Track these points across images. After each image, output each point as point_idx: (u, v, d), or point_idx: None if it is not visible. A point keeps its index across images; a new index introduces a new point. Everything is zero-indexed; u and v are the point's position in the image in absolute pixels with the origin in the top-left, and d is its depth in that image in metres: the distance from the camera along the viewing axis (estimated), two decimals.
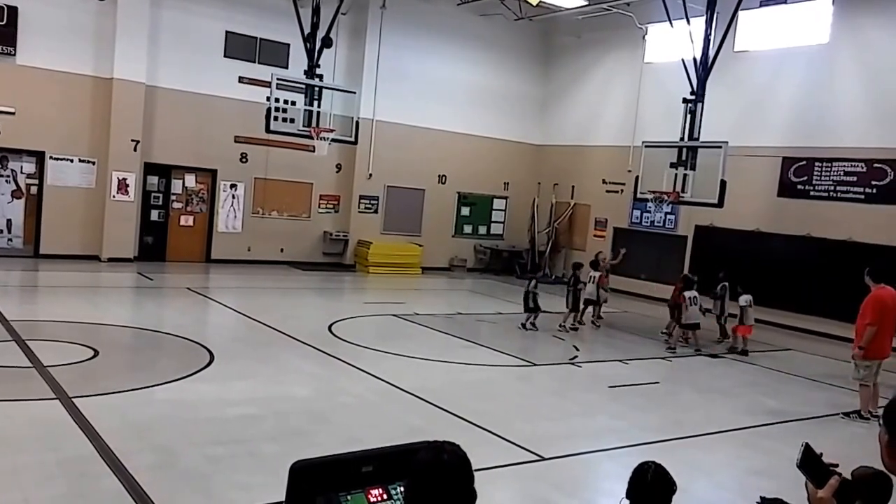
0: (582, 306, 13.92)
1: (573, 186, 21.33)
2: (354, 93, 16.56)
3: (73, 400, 7.21)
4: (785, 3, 16.53)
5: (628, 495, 3.28)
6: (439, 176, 21.25)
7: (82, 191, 16.62)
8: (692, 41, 14.29)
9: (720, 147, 13.53)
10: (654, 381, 10.62)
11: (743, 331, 12.89)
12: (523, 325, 13.28)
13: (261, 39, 18.18)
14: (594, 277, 14.02)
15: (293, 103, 15.47)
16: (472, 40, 20.91)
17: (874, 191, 15.04)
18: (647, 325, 14.76)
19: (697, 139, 14.11)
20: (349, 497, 2.51)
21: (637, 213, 19.54)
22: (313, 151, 15.64)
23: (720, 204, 13.56)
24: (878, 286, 9.17)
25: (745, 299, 12.82)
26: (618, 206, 20.06)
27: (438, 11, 20.24)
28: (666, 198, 14.23)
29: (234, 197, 18.53)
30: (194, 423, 7.05)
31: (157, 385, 8.09)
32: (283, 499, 2.49)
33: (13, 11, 15.31)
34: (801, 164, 16.17)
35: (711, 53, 14.14)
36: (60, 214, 16.40)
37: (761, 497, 3.19)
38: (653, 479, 3.24)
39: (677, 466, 7.46)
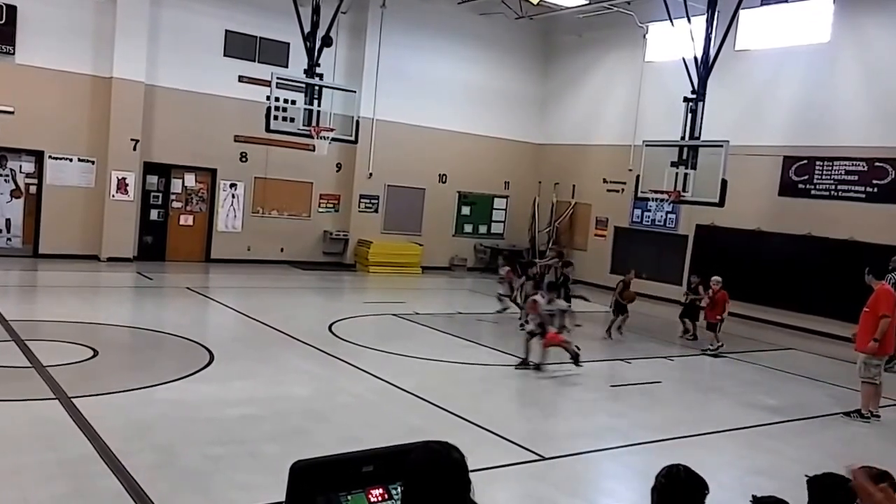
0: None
1: (574, 185, 21.31)
2: (354, 92, 16.51)
3: (73, 400, 7.19)
4: (786, 2, 16.49)
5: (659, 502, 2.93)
6: (439, 175, 21.23)
7: (82, 190, 16.60)
8: (693, 40, 14.26)
9: (721, 146, 13.51)
10: (655, 380, 10.60)
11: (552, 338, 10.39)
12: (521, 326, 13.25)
13: (261, 38, 18.15)
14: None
15: (293, 102, 15.43)
16: (472, 39, 20.89)
17: (875, 190, 15.01)
18: (649, 325, 14.74)
19: (698, 138, 14.08)
20: (350, 497, 2.50)
21: (638, 212, 19.52)
22: (313, 151, 15.60)
23: (721, 203, 13.54)
24: (880, 283, 9.16)
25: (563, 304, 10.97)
26: (619, 205, 20.04)
27: (438, 10, 20.21)
28: (668, 197, 14.21)
29: (233, 196, 18.51)
30: (194, 423, 7.02)
31: (157, 385, 8.06)
32: (283, 499, 2.47)
33: (12, 10, 15.28)
34: (802, 163, 16.14)
35: (712, 52, 14.11)
36: (59, 214, 16.38)
37: (753, 496, 3.15)
38: (686, 482, 2.93)
39: None
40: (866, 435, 8.66)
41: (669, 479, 2.94)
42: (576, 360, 10.23)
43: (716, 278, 12.91)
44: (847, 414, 9.18)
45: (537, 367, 10.29)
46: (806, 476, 3.48)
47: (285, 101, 15.70)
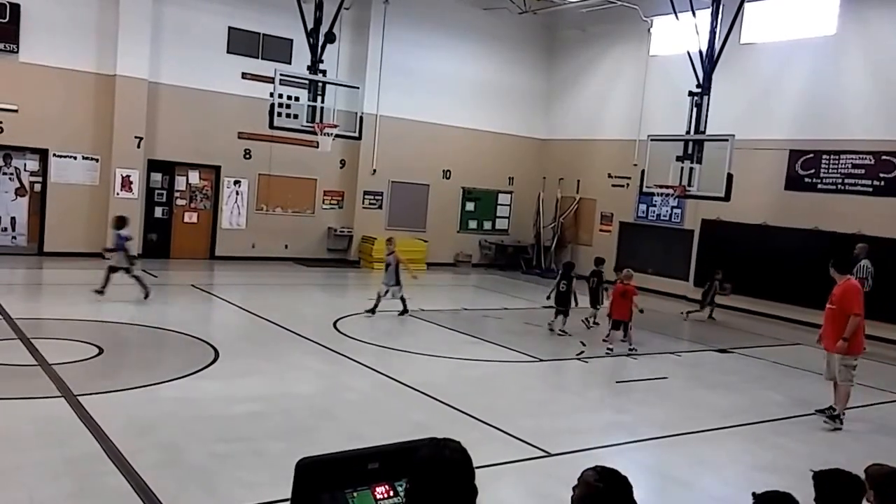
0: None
1: (578, 181, 21.26)
2: (358, 88, 16.45)
3: (79, 398, 7.19)
4: None
5: None
6: (444, 171, 21.19)
7: (86, 188, 16.61)
8: (698, 33, 14.21)
9: (726, 140, 13.44)
10: (661, 376, 10.57)
11: None
12: (561, 331, 12.64)
13: (264, 35, 18.12)
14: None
15: (297, 99, 15.40)
16: (475, 34, 20.84)
17: (882, 183, 14.93)
18: (655, 320, 14.67)
19: (703, 132, 14.03)
20: (355, 494, 2.49)
21: (643, 207, 19.45)
22: (317, 147, 15.60)
23: (727, 198, 13.48)
24: (844, 278, 8.60)
25: None
26: (624, 200, 19.98)
27: (442, 6, 20.16)
28: (673, 192, 14.15)
29: (237, 193, 18.51)
30: (199, 420, 7.02)
31: (162, 382, 8.06)
32: (289, 496, 2.46)
33: (15, 8, 15.28)
34: (808, 156, 16.07)
35: (717, 46, 14.05)
36: (64, 212, 16.39)
37: (753, 494, 3.14)
38: (624, 482, 2.77)
39: (684, 461, 7.43)
40: (871, 432, 8.62)
41: (605, 480, 2.78)
42: None
43: (625, 271, 12.18)
44: (821, 411, 8.60)
45: None
46: (811, 471, 3.45)
47: (289, 97, 15.66)
